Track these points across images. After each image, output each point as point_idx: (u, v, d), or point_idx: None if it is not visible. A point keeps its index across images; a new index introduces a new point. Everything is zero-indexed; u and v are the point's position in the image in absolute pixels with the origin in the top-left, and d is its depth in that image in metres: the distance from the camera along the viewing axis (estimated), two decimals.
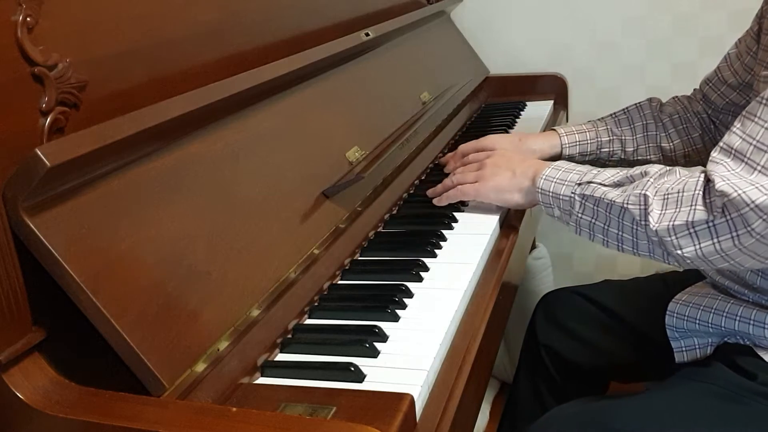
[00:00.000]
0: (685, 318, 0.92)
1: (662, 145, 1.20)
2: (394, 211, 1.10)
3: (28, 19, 0.62)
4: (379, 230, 1.04)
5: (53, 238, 0.59)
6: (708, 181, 0.77)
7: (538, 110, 1.63)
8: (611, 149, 1.21)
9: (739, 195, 0.72)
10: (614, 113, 1.24)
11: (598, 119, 1.24)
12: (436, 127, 1.39)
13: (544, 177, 0.94)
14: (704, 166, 1.22)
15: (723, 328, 0.89)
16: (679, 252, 0.78)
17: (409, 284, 0.86)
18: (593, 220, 0.88)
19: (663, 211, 0.79)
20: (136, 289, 0.63)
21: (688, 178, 0.79)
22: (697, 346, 0.93)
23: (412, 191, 1.18)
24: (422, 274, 0.89)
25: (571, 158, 1.20)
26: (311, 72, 1.05)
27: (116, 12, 0.74)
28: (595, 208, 0.87)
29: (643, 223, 0.81)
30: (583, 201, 0.88)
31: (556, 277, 1.83)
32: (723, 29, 1.68)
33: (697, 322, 0.91)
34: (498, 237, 1.01)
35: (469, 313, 0.83)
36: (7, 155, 0.60)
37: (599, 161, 1.23)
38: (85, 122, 0.67)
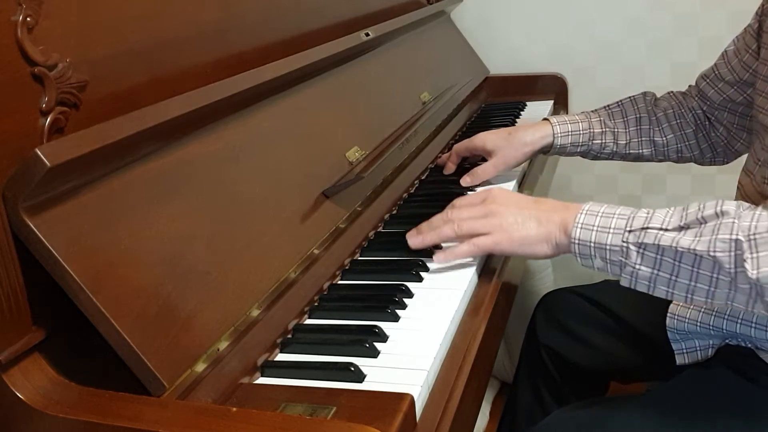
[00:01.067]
0: (686, 320, 0.91)
1: (655, 139, 1.20)
2: (394, 211, 1.10)
3: (28, 19, 0.62)
4: (379, 230, 1.04)
5: (53, 238, 0.59)
6: None
7: (538, 110, 1.63)
8: (603, 141, 1.20)
9: None
10: (608, 105, 1.23)
11: (592, 111, 1.23)
12: (436, 127, 1.39)
13: (580, 226, 0.81)
14: (696, 162, 1.23)
15: (724, 331, 0.88)
16: None
17: (409, 284, 0.86)
18: (655, 271, 0.76)
19: (756, 255, 0.70)
20: (136, 289, 0.63)
21: None
22: (698, 348, 0.93)
23: (412, 191, 1.18)
24: (422, 274, 0.89)
25: (562, 148, 1.20)
26: (311, 72, 1.05)
27: (116, 12, 0.74)
28: (659, 257, 0.76)
29: (733, 271, 0.71)
30: (642, 251, 0.76)
31: (556, 277, 1.83)
32: (723, 29, 1.68)
33: (698, 324, 0.90)
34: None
35: (469, 313, 0.83)
36: (7, 155, 0.60)
37: (590, 152, 1.22)
38: (85, 122, 0.67)
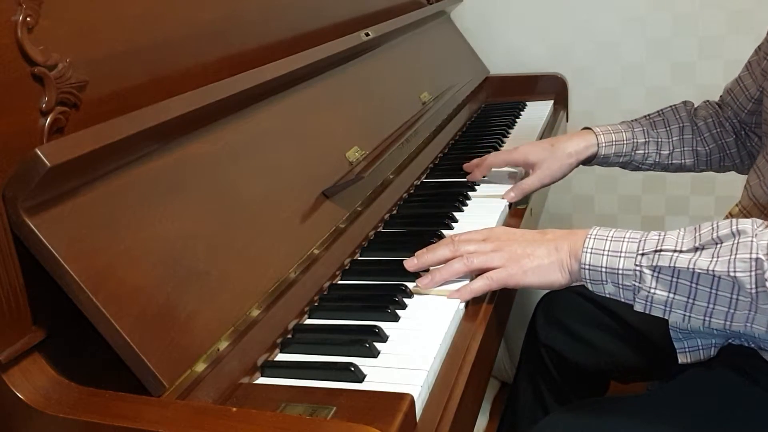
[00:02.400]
0: None
1: (698, 149, 1.18)
2: (394, 211, 1.10)
3: (28, 19, 0.62)
4: (379, 230, 1.04)
5: (53, 238, 0.59)
6: None
7: (538, 110, 1.63)
8: (646, 151, 1.18)
9: None
10: (648, 115, 1.21)
11: (633, 120, 1.21)
12: (436, 127, 1.39)
13: (590, 251, 0.79)
14: (738, 171, 1.21)
15: (727, 331, 0.88)
16: None
17: (409, 284, 0.86)
18: (671, 295, 0.74)
19: None
20: (136, 289, 0.63)
21: None
22: (700, 347, 0.93)
23: (411, 191, 1.18)
24: (422, 274, 0.89)
25: (605, 158, 1.18)
26: (311, 72, 1.05)
27: (116, 12, 0.74)
28: (674, 280, 0.74)
29: (754, 291, 0.69)
30: (656, 274, 0.74)
31: None
32: (723, 29, 1.68)
33: None
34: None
35: (469, 313, 0.83)
36: (7, 155, 0.60)
37: (632, 163, 1.20)
38: (85, 122, 0.67)
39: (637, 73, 1.79)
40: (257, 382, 0.71)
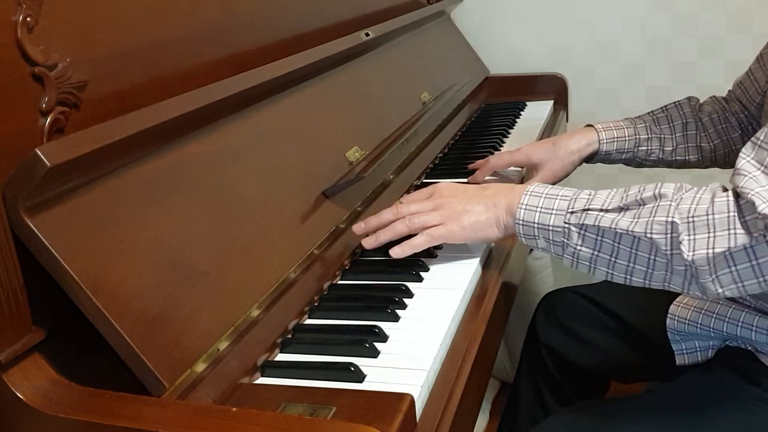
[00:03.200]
0: (687, 322, 0.91)
1: (702, 145, 1.17)
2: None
3: (28, 19, 0.62)
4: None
5: (53, 238, 0.59)
6: (737, 197, 0.71)
7: (538, 110, 1.63)
8: (649, 148, 1.17)
9: None
10: (652, 111, 1.20)
11: (636, 117, 1.20)
12: (436, 127, 1.39)
13: (524, 207, 0.83)
14: None
15: (724, 333, 0.88)
16: (713, 278, 0.71)
17: (409, 284, 0.86)
18: (595, 252, 0.78)
19: (692, 237, 0.71)
20: (136, 289, 0.63)
21: (713, 197, 0.73)
22: (698, 349, 0.93)
23: (411, 191, 1.18)
24: (422, 274, 0.89)
25: (608, 155, 1.18)
26: (311, 72, 1.05)
27: (116, 12, 0.74)
28: (599, 239, 0.77)
29: (668, 253, 0.73)
30: (582, 232, 0.78)
31: (556, 277, 1.83)
32: (722, 29, 1.68)
33: (699, 326, 0.90)
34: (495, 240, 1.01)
35: (469, 313, 0.83)
36: (7, 155, 0.60)
37: (635, 160, 1.20)
38: (85, 122, 0.67)
39: (637, 73, 1.79)
40: (257, 382, 0.71)
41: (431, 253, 0.94)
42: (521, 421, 1.23)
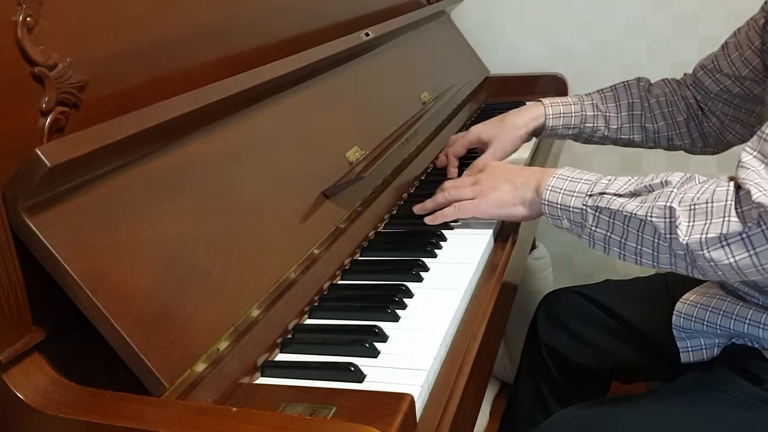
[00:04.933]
0: (693, 319, 0.91)
1: (646, 125, 1.20)
2: (394, 211, 1.10)
3: (28, 19, 0.62)
4: (379, 230, 1.04)
5: (53, 238, 0.59)
6: (738, 188, 0.74)
7: None
8: (595, 125, 1.21)
9: None
10: (601, 89, 1.23)
11: (586, 94, 1.23)
12: (436, 127, 1.39)
13: (550, 188, 0.88)
14: (687, 151, 1.22)
15: (731, 330, 0.88)
16: (711, 265, 0.74)
17: (409, 284, 0.86)
18: (609, 234, 0.83)
19: (691, 223, 0.75)
20: (136, 289, 0.63)
21: (716, 187, 0.76)
22: (703, 347, 0.93)
23: (412, 191, 1.18)
24: (422, 274, 0.89)
25: (553, 130, 1.21)
26: (311, 72, 1.05)
27: (116, 12, 0.74)
28: (611, 220, 0.82)
29: (668, 236, 0.77)
30: (597, 213, 0.83)
31: (556, 277, 1.83)
32: (723, 29, 1.67)
33: (705, 323, 0.90)
34: (498, 236, 1.01)
35: (469, 313, 0.83)
36: (7, 155, 0.60)
37: (582, 136, 1.23)
38: (85, 122, 0.67)
39: (637, 73, 1.76)
40: (257, 382, 0.71)
41: (431, 253, 0.94)
42: (521, 421, 1.23)
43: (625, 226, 0.81)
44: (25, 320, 0.61)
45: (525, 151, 1.29)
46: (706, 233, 0.74)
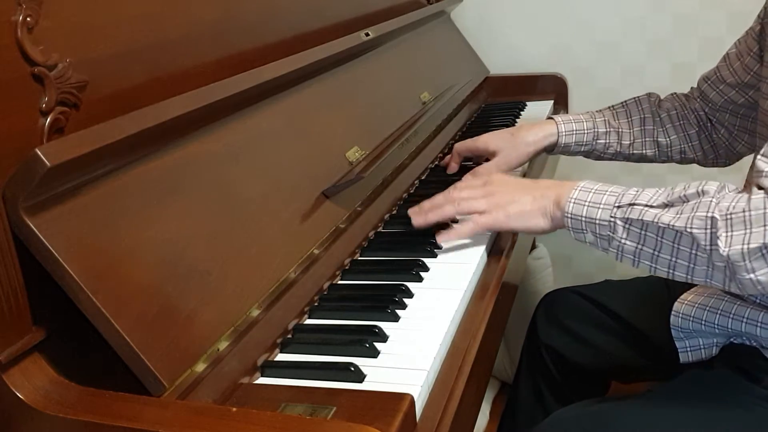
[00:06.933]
0: (691, 318, 0.91)
1: (659, 140, 1.20)
2: (394, 211, 1.10)
3: (28, 19, 0.62)
4: (379, 230, 1.04)
5: (53, 238, 0.59)
6: None
7: (538, 110, 1.63)
8: (607, 141, 1.21)
9: None
10: (612, 106, 1.24)
11: (597, 111, 1.24)
12: (436, 127, 1.39)
13: (573, 200, 0.85)
14: (699, 163, 1.23)
15: (729, 330, 0.88)
16: (752, 276, 0.72)
17: (409, 284, 0.86)
18: (640, 246, 0.80)
19: (729, 233, 0.73)
20: (136, 289, 0.63)
21: (752, 196, 0.74)
22: (702, 347, 0.93)
23: (412, 191, 1.18)
24: (422, 274, 0.89)
25: (566, 147, 1.21)
26: (311, 72, 1.05)
27: (116, 12, 0.74)
28: (643, 233, 0.79)
29: (708, 248, 0.74)
30: (627, 226, 0.80)
31: (556, 277, 1.83)
32: (723, 30, 1.68)
33: (703, 323, 0.90)
34: (498, 236, 1.01)
35: (469, 313, 0.83)
36: (7, 155, 0.60)
37: (594, 152, 1.23)
38: (85, 122, 0.67)
39: (637, 73, 1.79)
40: (257, 382, 0.71)
41: (431, 253, 0.94)
42: (521, 420, 1.23)
43: (659, 238, 0.78)
44: (25, 320, 0.61)
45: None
46: (748, 243, 0.72)
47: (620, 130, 1.21)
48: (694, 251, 0.76)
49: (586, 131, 1.20)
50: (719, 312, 0.89)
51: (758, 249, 0.71)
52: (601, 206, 0.83)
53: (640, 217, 0.79)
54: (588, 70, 1.82)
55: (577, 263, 1.95)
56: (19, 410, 0.60)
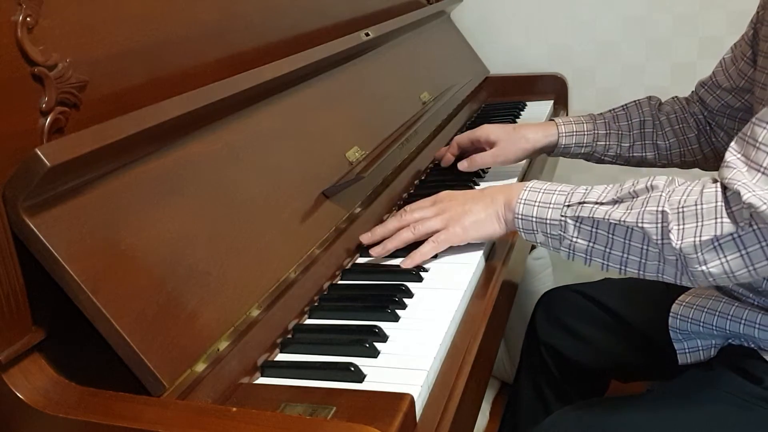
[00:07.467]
0: (689, 320, 0.91)
1: (658, 143, 1.21)
2: (394, 211, 1.10)
3: (28, 19, 0.62)
4: None
5: (53, 238, 0.59)
6: (725, 189, 0.73)
7: (538, 110, 1.63)
8: (607, 143, 1.21)
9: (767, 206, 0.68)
10: (613, 109, 1.24)
11: (597, 113, 1.24)
12: (436, 127, 1.39)
13: (523, 201, 0.86)
14: (701, 168, 1.23)
15: (727, 331, 0.88)
16: (703, 268, 0.73)
17: (409, 284, 0.86)
18: (591, 244, 0.81)
19: (681, 227, 0.73)
20: (136, 289, 0.63)
21: (702, 188, 0.75)
22: (700, 348, 0.93)
23: (412, 191, 1.18)
24: (422, 274, 0.89)
25: (566, 148, 1.21)
26: (311, 72, 1.05)
27: (116, 12, 0.74)
28: (594, 230, 0.80)
29: (660, 242, 0.75)
30: (578, 224, 0.81)
31: (556, 277, 1.83)
32: (723, 29, 1.68)
33: (701, 324, 0.90)
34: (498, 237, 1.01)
35: (469, 313, 0.83)
36: (7, 155, 0.60)
37: (594, 155, 1.23)
38: (85, 122, 0.67)
39: (637, 73, 1.79)
40: (257, 382, 0.71)
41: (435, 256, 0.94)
42: (521, 420, 1.23)
43: (610, 235, 0.79)
44: (25, 320, 0.61)
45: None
46: (700, 236, 0.72)
47: (620, 132, 1.21)
48: (645, 246, 0.77)
49: (586, 132, 1.21)
50: (717, 314, 0.89)
51: (710, 241, 0.72)
52: (551, 206, 0.83)
53: (590, 215, 0.80)
54: (588, 70, 1.82)
55: (577, 263, 1.95)
56: (19, 410, 0.60)
